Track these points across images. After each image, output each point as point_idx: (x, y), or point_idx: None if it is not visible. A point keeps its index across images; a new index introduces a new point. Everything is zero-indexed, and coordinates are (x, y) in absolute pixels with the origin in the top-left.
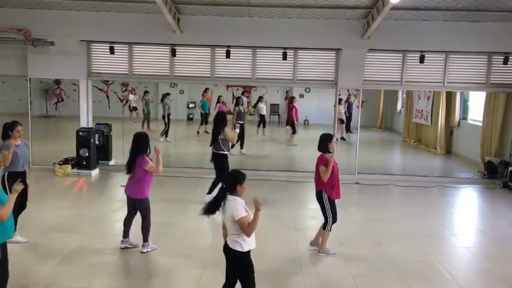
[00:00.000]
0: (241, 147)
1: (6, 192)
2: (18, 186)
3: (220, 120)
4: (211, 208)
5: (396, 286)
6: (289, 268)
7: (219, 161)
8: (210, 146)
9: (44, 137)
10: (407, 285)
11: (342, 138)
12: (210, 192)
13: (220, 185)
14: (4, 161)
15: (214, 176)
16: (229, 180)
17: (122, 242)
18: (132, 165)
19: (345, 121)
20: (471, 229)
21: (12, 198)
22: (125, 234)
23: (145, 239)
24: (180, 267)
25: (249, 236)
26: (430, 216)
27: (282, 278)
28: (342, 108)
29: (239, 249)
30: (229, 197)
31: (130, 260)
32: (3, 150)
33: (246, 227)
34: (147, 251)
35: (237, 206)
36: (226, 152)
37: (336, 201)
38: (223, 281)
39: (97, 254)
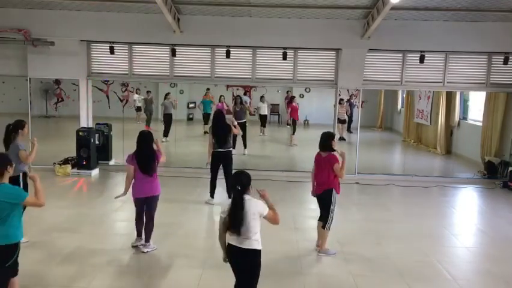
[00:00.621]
0: (245, 147)
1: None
2: (35, 175)
3: (223, 119)
4: (239, 218)
5: (396, 286)
6: (290, 268)
7: (230, 158)
8: (222, 147)
9: (44, 137)
10: (407, 285)
11: (342, 138)
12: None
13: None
14: (28, 159)
15: (223, 177)
16: (244, 181)
17: (137, 239)
18: (152, 165)
19: (346, 121)
20: (471, 229)
21: (39, 186)
22: (140, 233)
23: (148, 239)
24: (180, 267)
25: (278, 222)
26: (430, 216)
27: (282, 278)
28: (344, 108)
29: (259, 247)
30: (247, 197)
31: (130, 260)
32: (21, 149)
33: (275, 218)
34: (147, 251)
35: (260, 202)
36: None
37: (337, 200)
38: (223, 281)
39: (97, 254)
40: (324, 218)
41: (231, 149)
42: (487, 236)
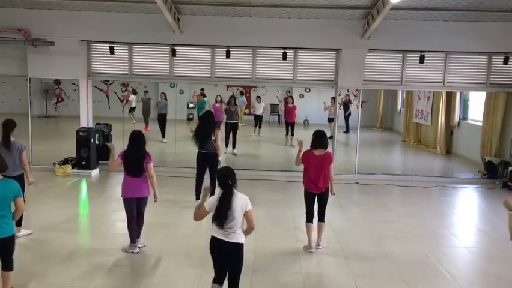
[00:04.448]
0: (233, 147)
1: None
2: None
3: (211, 120)
4: (225, 212)
5: (396, 286)
6: (289, 268)
7: (213, 160)
8: (198, 146)
9: (44, 137)
10: (407, 285)
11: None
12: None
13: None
14: (26, 165)
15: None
16: (234, 176)
17: (134, 246)
18: (142, 165)
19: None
20: (471, 229)
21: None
22: (135, 238)
23: (139, 235)
24: (180, 267)
25: (253, 228)
26: (430, 216)
27: (282, 278)
28: (333, 108)
29: (244, 241)
30: (235, 191)
31: (130, 260)
32: (24, 151)
33: (253, 219)
34: (140, 247)
35: (245, 197)
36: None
37: (336, 200)
38: None
39: (97, 254)
40: (322, 214)
41: (214, 151)
42: (487, 236)
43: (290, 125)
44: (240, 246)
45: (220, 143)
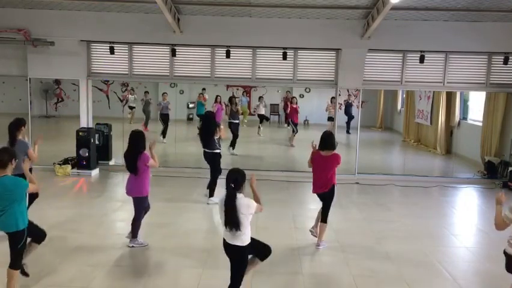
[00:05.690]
0: (233, 148)
1: None
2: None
3: (211, 120)
4: (234, 217)
5: (396, 286)
6: (289, 268)
7: (214, 159)
8: (204, 147)
9: (44, 137)
10: (407, 285)
11: None
12: (212, 195)
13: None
14: (35, 159)
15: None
16: (239, 179)
17: (130, 241)
18: (135, 164)
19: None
20: (471, 229)
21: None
22: (135, 234)
23: (132, 234)
24: (180, 267)
25: (262, 210)
26: (430, 216)
27: (282, 278)
28: (333, 107)
29: (244, 244)
30: (239, 196)
31: (130, 260)
32: (31, 148)
33: (260, 209)
34: (132, 246)
35: (250, 200)
36: (220, 151)
37: (337, 200)
38: (223, 280)
39: (97, 254)
40: (324, 214)
41: (216, 150)
42: (487, 236)
43: (294, 124)
44: (239, 248)
45: (225, 134)
